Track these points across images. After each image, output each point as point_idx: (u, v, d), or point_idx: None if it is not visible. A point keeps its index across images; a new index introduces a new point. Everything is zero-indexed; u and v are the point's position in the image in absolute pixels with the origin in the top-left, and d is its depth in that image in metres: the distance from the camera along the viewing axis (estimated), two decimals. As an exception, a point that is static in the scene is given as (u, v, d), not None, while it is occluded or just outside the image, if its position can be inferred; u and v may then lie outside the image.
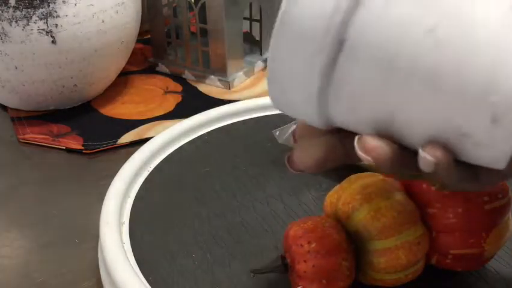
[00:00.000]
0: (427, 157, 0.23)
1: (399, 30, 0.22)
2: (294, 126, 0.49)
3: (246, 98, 0.61)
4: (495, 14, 0.21)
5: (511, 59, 0.21)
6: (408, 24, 0.22)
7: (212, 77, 0.66)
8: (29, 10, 0.51)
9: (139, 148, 0.48)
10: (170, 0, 0.68)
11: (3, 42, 0.52)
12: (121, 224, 0.40)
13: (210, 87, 0.66)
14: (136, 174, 0.45)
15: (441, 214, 0.32)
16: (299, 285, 0.32)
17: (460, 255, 0.33)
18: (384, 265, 0.32)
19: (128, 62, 0.66)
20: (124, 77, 0.68)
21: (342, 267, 0.32)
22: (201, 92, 0.65)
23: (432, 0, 0.22)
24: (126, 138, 0.56)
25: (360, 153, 0.24)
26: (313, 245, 0.32)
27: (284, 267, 0.33)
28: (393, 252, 0.32)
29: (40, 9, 0.51)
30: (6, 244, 0.43)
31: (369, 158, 0.24)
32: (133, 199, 0.43)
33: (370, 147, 0.24)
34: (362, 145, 0.24)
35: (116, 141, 0.55)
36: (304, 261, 0.31)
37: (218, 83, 0.66)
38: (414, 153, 0.24)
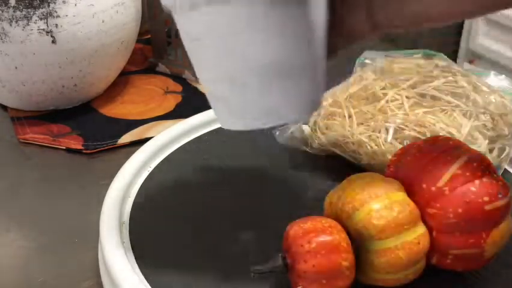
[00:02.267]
0: None
1: None
2: (294, 127, 0.49)
3: (246, 98, 0.61)
4: None
5: None
6: None
7: (212, 77, 0.66)
8: (29, 10, 0.51)
9: (139, 148, 0.48)
10: (170, 0, 0.68)
11: (3, 42, 0.52)
12: (121, 224, 0.40)
13: (210, 87, 0.66)
14: (136, 174, 0.45)
15: (442, 214, 0.32)
16: (299, 285, 0.32)
17: (460, 255, 0.33)
18: (385, 265, 0.32)
19: (128, 62, 0.66)
20: (124, 77, 0.68)
21: (342, 267, 0.32)
22: (201, 92, 0.65)
23: None
24: (126, 138, 0.56)
25: None
26: (313, 245, 0.32)
27: (284, 267, 0.33)
28: (393, 252, 0.32)
29: (40, 9, 0.51)
30: (6, 244, 0.43)
31: None
32: (133, 199, 0.43)
33: None
34: None
35: (116, 141, 0.55)
36: (304, 261, 0.31)
37: (218, 83, 0.66)
38: None
